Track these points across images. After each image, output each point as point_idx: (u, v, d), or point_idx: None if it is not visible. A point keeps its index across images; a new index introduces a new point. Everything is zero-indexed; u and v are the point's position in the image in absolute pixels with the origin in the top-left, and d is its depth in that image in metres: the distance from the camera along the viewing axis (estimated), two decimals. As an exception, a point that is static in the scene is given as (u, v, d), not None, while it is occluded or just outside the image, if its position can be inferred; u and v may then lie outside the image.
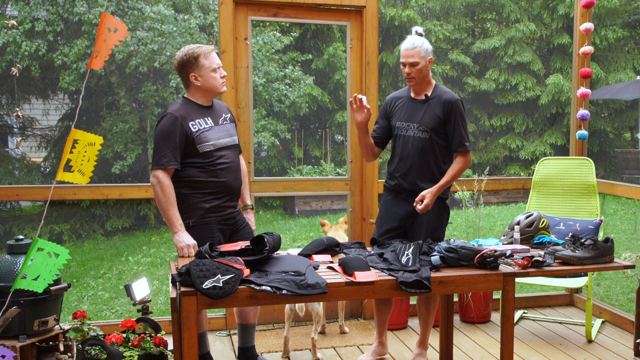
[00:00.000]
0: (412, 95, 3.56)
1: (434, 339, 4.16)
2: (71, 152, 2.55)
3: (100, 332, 3.46)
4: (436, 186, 3.41)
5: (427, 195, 3.37)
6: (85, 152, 2.55)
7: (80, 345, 3.26)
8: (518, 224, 3.41)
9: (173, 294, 2.64)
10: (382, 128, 3.64)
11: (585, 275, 4.17)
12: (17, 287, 2.37)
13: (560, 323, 4.61)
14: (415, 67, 3.41)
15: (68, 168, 2.56)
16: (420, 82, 3.49)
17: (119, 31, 2.56)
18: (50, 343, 3.47)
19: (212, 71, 3.23)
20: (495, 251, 2.86)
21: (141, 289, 3.66)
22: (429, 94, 3.51)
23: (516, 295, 4.77)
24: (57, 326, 3.50)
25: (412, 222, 3.55)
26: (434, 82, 3.56)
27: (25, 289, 2.37)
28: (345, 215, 4.58)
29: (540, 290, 5.32)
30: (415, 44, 3.41)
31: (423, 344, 3.79)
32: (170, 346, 3.42)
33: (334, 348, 4.12)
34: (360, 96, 3.39)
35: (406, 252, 2.91)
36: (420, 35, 3.49)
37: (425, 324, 3.75)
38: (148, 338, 3.36)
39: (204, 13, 10.35)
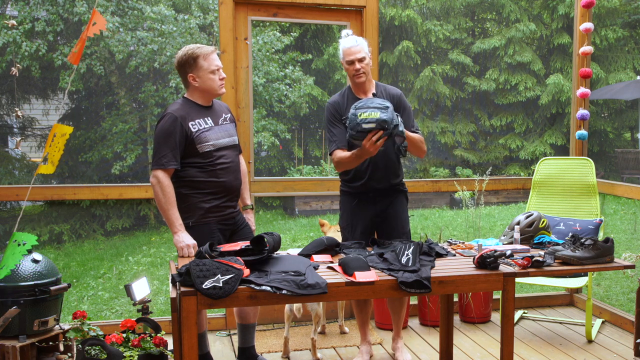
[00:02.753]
0: (358, 96, 3.50)
1: (434, 339, 4.17)
2: (50, 145, 2.56)
3: (100, 332, 3.46)
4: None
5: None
6: (58, 142, 2.55)
7: (80, 345, 3.26)
8: (518, 224, 3.41)
9: (173, 294, 2.64)
10: (344, 132, 3.47)
11: (585, 275, 4.16)
12: None
13: (560, 323, 4.61)
14: (363, 62, 3.40)
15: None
16: (369, 78, 3.49)
17: (97, 24, 2.55)
18: (50, 343, 3.46)
19: (210, 73, 3.22)
20: (495, 251, 2.87)
21: (141, 289, 3.65)
22: (374, 92, 3.52)
23: (516, 295, 4.77)
24: (57, 326, 3.49)
25: (382, 220, 3.59)
26: (372, 79, 3.58)
27: None
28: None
29: (540, 290, 5.32)
30: (357, 41, 3.42)
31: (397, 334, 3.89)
32: (170, 346, 3.42)
33: (334, 348, 4.12)
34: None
35: (406, 252, 2.91)
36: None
37: (397, 321, 3.86)
38: (148, 338, 3.36)
39: (204, 13, 10.35)
